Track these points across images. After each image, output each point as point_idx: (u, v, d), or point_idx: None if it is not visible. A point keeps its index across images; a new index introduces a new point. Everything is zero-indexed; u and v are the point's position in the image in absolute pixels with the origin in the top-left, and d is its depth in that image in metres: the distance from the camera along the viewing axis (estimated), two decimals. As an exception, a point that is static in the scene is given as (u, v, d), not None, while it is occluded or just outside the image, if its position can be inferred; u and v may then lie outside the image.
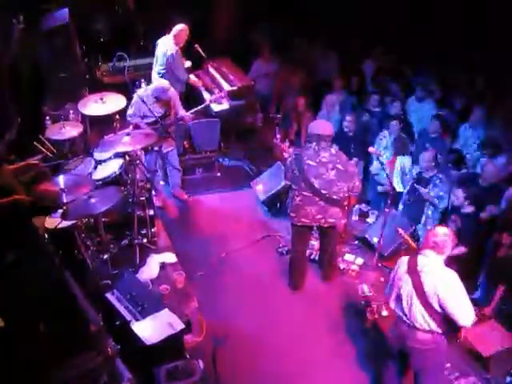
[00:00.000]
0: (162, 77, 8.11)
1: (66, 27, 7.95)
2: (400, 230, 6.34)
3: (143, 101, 6.64)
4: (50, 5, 8.28)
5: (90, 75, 9.07)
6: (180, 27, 8.18)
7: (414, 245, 6.12)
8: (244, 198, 7.96)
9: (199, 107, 7.69)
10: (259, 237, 7.16)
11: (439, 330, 4.38)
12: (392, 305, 4.61)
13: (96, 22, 9.93)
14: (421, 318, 4.38)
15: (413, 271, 4.41)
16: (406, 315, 4.46)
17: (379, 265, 6.64)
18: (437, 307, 4.31)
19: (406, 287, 4.44)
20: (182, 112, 7.29)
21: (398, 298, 4.52)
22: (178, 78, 8.22)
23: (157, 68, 8.35)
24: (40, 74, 7.60)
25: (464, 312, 4.25)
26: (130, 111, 7.02)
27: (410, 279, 4.40)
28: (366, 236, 7.01)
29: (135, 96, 6.81)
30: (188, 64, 8.59)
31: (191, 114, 7.48)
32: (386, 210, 6.30)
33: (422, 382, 4.62)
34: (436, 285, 4.28)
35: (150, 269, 5.91)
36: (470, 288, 5.61)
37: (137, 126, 6.95)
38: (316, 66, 9.70)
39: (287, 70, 9.29)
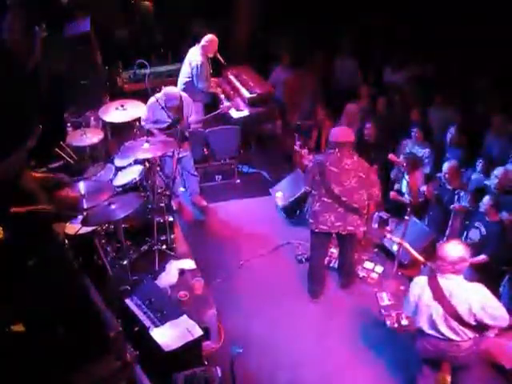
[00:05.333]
0: (185, 85, 8.18)
1: (87, 35, 8.07)
2: (402, 242, 6.25)
3: (159, 103, 6.67)
4: (73, 14, 8.39)
5: (110, 83, 9.15)
6: (209, 38, 8.22)
7: (419, 258, 6.03)
8: (263, 205, 7.94)
9: (212, 114, 7.74)
10: (278, 244, 7.14)
11: (477, 334, 4.47)
12: (424, 328, 4.55)
13: (117, 30, 10.05)
14: (459, 332, 4.42)
15: (441, 297, 4.41)
16: (443, 335, 4.47)
17: (399, 273, 6.58)
18: (474, 322, 4.37)
19: (438, 312, 4.43)
20: (192, 119, 7.32)
21: (431, 322, 4.49)
22: (200, 87, 8.28)
23: (182, 76, 8.41)
24: (62, 81, 7.68)
25: (501, 318, 4.34)
26: (144, 115, 7.04)
27: (441, 306, 4.41)
28: (385, 244, 6.95)
29: (152, 98, 6.84)
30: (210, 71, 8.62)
31: (204, 120, 7.63)
32: (406, 217, 6.25)
33: (465, 376, 4.68)
34: (469, 304, 4.32)
35: (169, 275, 5.92)
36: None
37: (150, 132, 6.99)
38: (336, 74, 9.65)
39: (300, 75, 9.24)
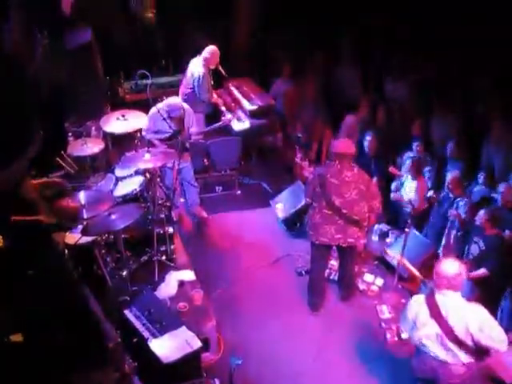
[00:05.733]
0: (186, 96, 8.21)
1: (88, 45, 8.10)
2: (402, 259, 6.24)
3: (160, 113, 6.67)
4: (75, 23, 8.42)
5: (111, 92, 9.18)
6: (211, 50, 8.24)
7: (416, 273, 6.01)
8: (263, 216, 7.94)
9: (213, 126, 7.74)
10: (278, 256, 7.14)
11: (472, 360, 4.36)
12: (420, 346, 4.51)
13: (118, 40, 10.08)
14: (453, 354, 4.35)
15: (438, 315, 4.35)
16: (437, 355, 4.42)
17: (399, 286, 6.57)
18: (470, 343, 4.29)
19: (434, 330, 4.38)
20: (192, 130, 7.32)
21: (427, 341, 4.45)
22: (202, 99, 8.31)
23: (183, 87, 8.45)
24: (62, 90, 7.70)
25: (499, 340, 4.25)
26: (145, 125, 7.05)
27: (437, 324, 4.35)
28: (386, 256, 6.94)
29: (154, 108, 6.85)
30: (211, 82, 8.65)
31: (205, 132, 7.70)
32: (407, 230, 6.25)
33: None
34: (466, 324, 4.25)
35: (169, 286, 5.90)
36: (493, 311, 5.51)
37: (150, 143, 6.99)
38: (336, 82, 9.64)
39: (300, 86, 9.26)
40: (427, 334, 4.42)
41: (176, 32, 10.15)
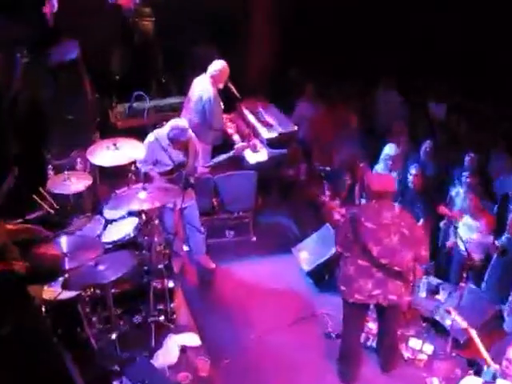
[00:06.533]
0: (192, 123, 8.18)
1: (74, 62, 8.24)
2: (458, 318, 6.15)
3: (159, 142, 6.72)
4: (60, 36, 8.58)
5: (101, 118, 9.28)
6: (219, 66, 8.33)
7: (480, 346, 5.88)
8: (284, 267, 7.93)
9: (223, 157, 7.76)
10: (301, 316, 7.08)
11: None
12: None
13: (110, 56, 10.25)
14: None
15: None
16: None
17: (453, 354, 6.48)
18: None
19: None
20: (198, 163, 7.37)
21: None
22: (212, 127, 8.39)
23: (190, 114, 8.49)
24: (43, 116, 7.81)
25: None
26: (141, 156, 7.01)
27: None
28: (437, 317, 6.87)
29: (151, 135, 6.91)
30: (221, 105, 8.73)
31: (212, 165, 7.64)
32: (462, 284, 6.19)
33: None
34: None
35: (168, 352, 5.88)
36: None
37: (147, 177, 7.04)
38: (374, 108, 9.75)
39: (330, 111, 9.33)
40: None
41: (180, 44, 10.30)
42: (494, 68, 8.84)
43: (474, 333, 5.93)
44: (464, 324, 6.09)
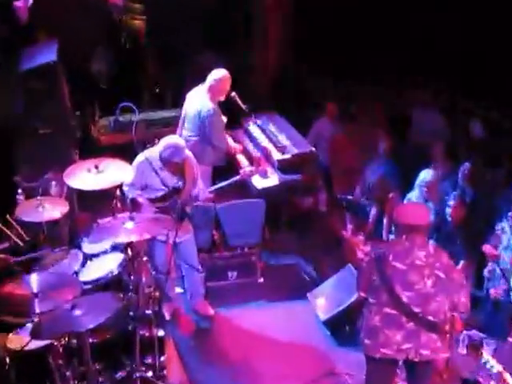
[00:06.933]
0: (189, 142, 8.22)
1: (52, 67, 8.27)
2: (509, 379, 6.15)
3: (150, 163, 6.77)
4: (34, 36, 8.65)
5: (82, 133, 9.34)
6: (219, 75, 8.43)
7: None
8: (297, 315, 7.95)
9: (225, 183, 7.80)
10: (317, 374, 7.07)
11: None
12: None
13: (94, 60, 10.33)
14: None
15: None
16: None
17: (500, 423, 6.46)
18: None
19: None
20: (199, 187, 7.41)
21: None
22: (214, 146, 8.47)
23: (185, 132, 8.61)
24: (13, 131, 7.86)
25: None
26: (129, 179, 7.07)
27: None
28: (480, 379, 6.85)
29: (140, 155, 6.95)
30: (224, 120, 8.77)
31: (212, 191, 7.66)
32: (510, 339, 6.19)
33: None
34: None
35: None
36: None
37: (135, 204, 7.09)
38: (414, 128, 9.80)
39: (357, 131, 9.38)
40: None
41: (176, 46, 10.38)
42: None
43: None
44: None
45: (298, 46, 10.74)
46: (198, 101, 8.45)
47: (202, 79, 8.59)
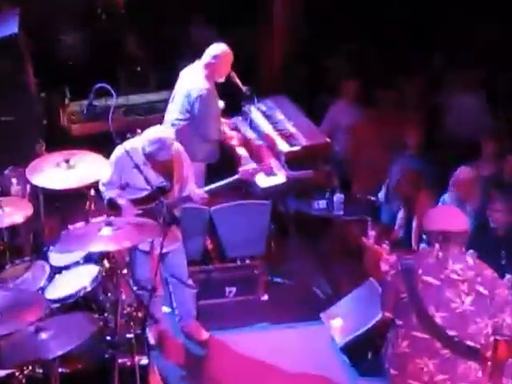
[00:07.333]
0: (177, 131, 8.21)
1: (13, 40, 8.29)
2: None
3: (131, 157, 6.75)
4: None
5: (49, 121, 9.34)
6: (218, 51, 8.43)
7: None
8: (308, 339, 7.97)
9: (222, 183, 7.75)
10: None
11: None
12: None
13: (64, 34, 10.32)
14: None
15: None
16: None
17: None
18: None
19: None
20: (190, 187, 7.41)
21: None
22: (204, 136, 8.47)
23: (173, 115, 8.62)
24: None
25: None
26: (106, 176, 7.08)
27: None
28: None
29: (120, 149, 6.93)
30: (220, 106, 8.79)
31: (207, 192, 7.60)
32: None
33: None
34: None
35: None
36: None
37: (114, 206, 7.11)
38: (450, 116, 9.80)
39: (381, 118, 9.38)
40: None
41: (161, 19, 10.38)
42: None
43: None
44: None
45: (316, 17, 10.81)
46: (191, 79, 8.47)
47: (194, 57, 8.59)
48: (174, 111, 8.57)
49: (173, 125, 8.40)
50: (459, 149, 9.32)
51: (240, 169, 7.96)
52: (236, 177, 7.72)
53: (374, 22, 10.83)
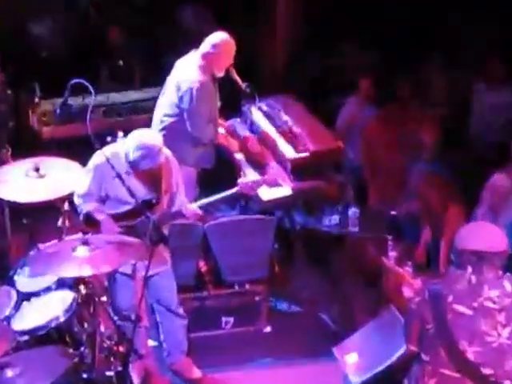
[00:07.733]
0: (166, 131, 8.32)
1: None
2: None
3: (112, 166, 6.71)
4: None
5: (16, 122, 9.35)
6: (218, 40, 8.42)
7: None
8: (319, 379, 7.95)
9: (219, 196, 7.69)
10: None
11: None
12: None
13: (35, 22, 10.35)
14: None
15: None
16: None
17: None
18: None
19: None
20: (181, 200, 7.39)
21: None
22: (199, 138, 8.48)
23: (162, 110, 8.64)
24: None
25: None
26: (82, 187, 7.08)
27: None
28: None
29: (98, 156, 6.89)
30: (217, 104, 8.76)
31: (201, 207, 7.55)
32: None
33: None
34: None
35: None
36: None
37: (91, 222, 7.08)
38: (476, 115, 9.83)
39: (400, 117, 9.39)
40: None
41: (150, 3, 10.43)
42: None
43: None
44: None
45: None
46: (183, 72, 8.47)
47: (189, 48, 8.59)
48: (164, 106, 8.55)
49: (161, 121, 8.40)
50: (484, 151, 9.33)
51: (239, 181, 7.84)
52: (234, 190, 7.55)
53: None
